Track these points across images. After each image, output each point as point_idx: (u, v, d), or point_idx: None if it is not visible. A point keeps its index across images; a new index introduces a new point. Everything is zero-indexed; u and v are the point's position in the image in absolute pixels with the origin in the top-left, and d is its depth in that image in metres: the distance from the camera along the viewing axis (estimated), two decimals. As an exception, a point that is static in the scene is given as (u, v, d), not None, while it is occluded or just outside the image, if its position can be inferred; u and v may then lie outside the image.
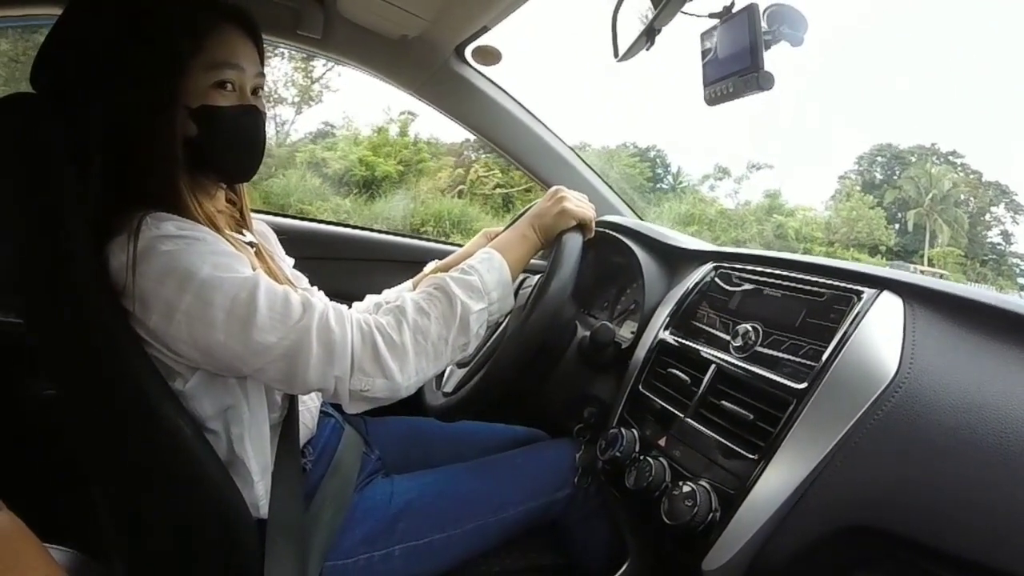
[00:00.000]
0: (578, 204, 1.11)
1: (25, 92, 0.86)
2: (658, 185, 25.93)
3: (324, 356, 0.84)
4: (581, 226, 1.11)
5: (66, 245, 0.81)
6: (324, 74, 19.46)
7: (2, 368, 1.48)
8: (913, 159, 29.50)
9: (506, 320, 1.26)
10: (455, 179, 18.44)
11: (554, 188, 1.14)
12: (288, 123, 20.04)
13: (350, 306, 1.34)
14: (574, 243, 1.08)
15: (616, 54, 1.15)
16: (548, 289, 1.03)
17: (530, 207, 1.24)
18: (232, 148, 0.95)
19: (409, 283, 1.35)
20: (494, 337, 1.28)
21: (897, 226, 26.98)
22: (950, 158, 29.26)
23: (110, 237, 0.83)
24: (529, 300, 1.06)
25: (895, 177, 29.31)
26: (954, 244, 26.35)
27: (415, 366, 0.90)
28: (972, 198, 28.08)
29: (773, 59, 0.92)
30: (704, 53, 1.02)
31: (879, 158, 30.79)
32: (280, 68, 19.21)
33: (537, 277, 1.16)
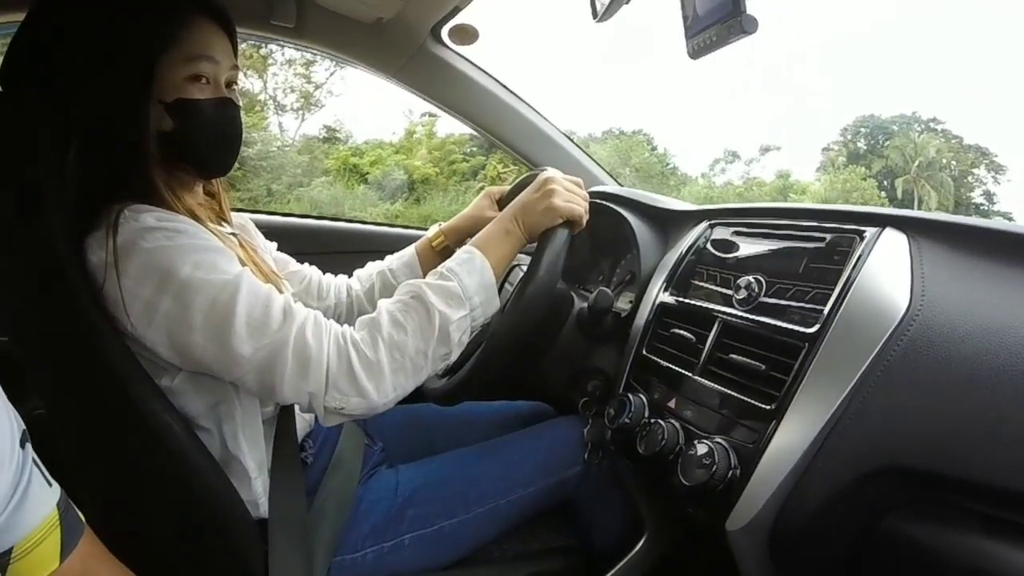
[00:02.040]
0: (567, 199, 1.02)
1: None
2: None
3: (298, 371, 0.82)
4: (569, 221, 1.03)
5: (42, 246, 0.79)
6: (328, 79, 19.85)
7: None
8: (895, 128, 29.67)
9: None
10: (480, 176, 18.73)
11: (544, 176, 1.05)
12: (297, 128, 20.38)
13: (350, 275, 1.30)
14: (558, 243, 1.01)
15: (595, 15, 1.12)
16: (525, 295, 0.98)
17: (523, 178, 1.21)
18: (208, 141, 0.93)
19: (412, 248, 1.31)
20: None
21: (884, 194, 27.11)
22: (931, 125, 29.50)
23: (88, 232, 0.81)
24: (507, 305, 1.03)
25: (879, 146, 29.46)
26: (941, 208, 26.53)
27: (392, 383, 0.86)
28: (954, 162, 28.27)
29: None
30: (684, 5, 1.00)
31: (863, 129, 30.94)
32: (280, 75, 19.63)
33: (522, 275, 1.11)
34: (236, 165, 1.02)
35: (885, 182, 27.71)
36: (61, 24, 0.86)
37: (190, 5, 0.90)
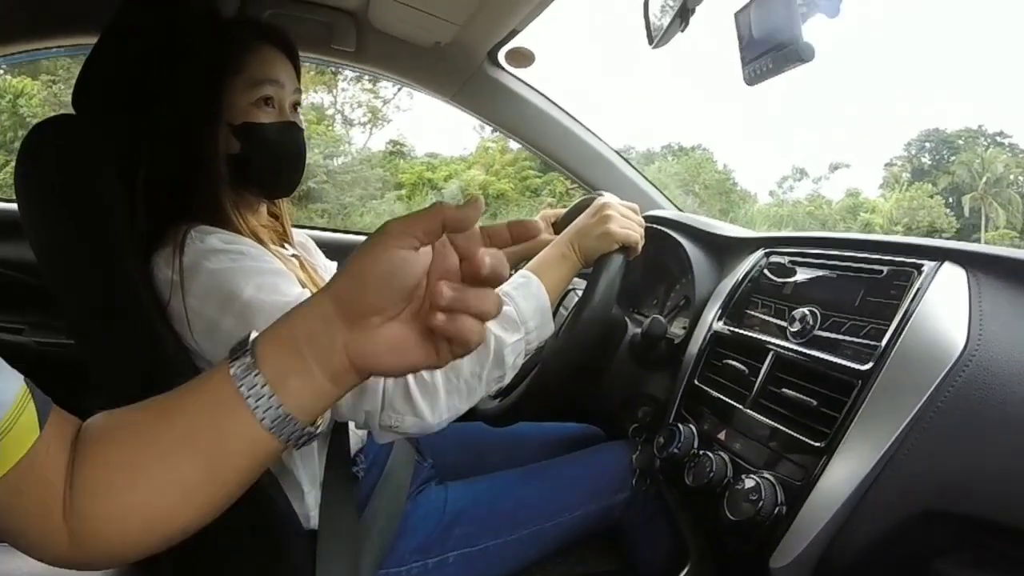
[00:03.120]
0: (624, 225, 1.04)
1: (65, 113, 0.88)
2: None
3: (355, 391, 0.83)
4: (625, 247, 1.05)
5: (111, 260, 0.82)
6: (395, 95, 20.35)
7: (59, 388, 1.52)
8: (961, 142, 28.69)
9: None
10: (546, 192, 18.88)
11: (601, 202, 1.07)
12: (365, 143, 20.93)
13: None
14: (613, 269, 1.02)
15: (650, 40, 1.12)
16: (579, 320, 0.99)
17: (578, 203, 1.21)
18: (274, 163, 0.97)
19: None
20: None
21: (949, 211, 26.23)
22: (997, 139, 28.45)
23: (155, 249, 0.85)
24: (562, 330, 1.03)
25: (944, 162, 28.52)
26: (1009, 226, 25.52)
27: (446, 404, 0.87)
28: (1023, 177, 27.21)
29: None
30: (740, 32, 0.99)
31: (927, 144, 29.99)
32: (348, 91, 20.22)
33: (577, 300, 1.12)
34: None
35: (951, 199, 26.80)
36: (127, 54, 0.91)
37: (253, 33, 0.94)
